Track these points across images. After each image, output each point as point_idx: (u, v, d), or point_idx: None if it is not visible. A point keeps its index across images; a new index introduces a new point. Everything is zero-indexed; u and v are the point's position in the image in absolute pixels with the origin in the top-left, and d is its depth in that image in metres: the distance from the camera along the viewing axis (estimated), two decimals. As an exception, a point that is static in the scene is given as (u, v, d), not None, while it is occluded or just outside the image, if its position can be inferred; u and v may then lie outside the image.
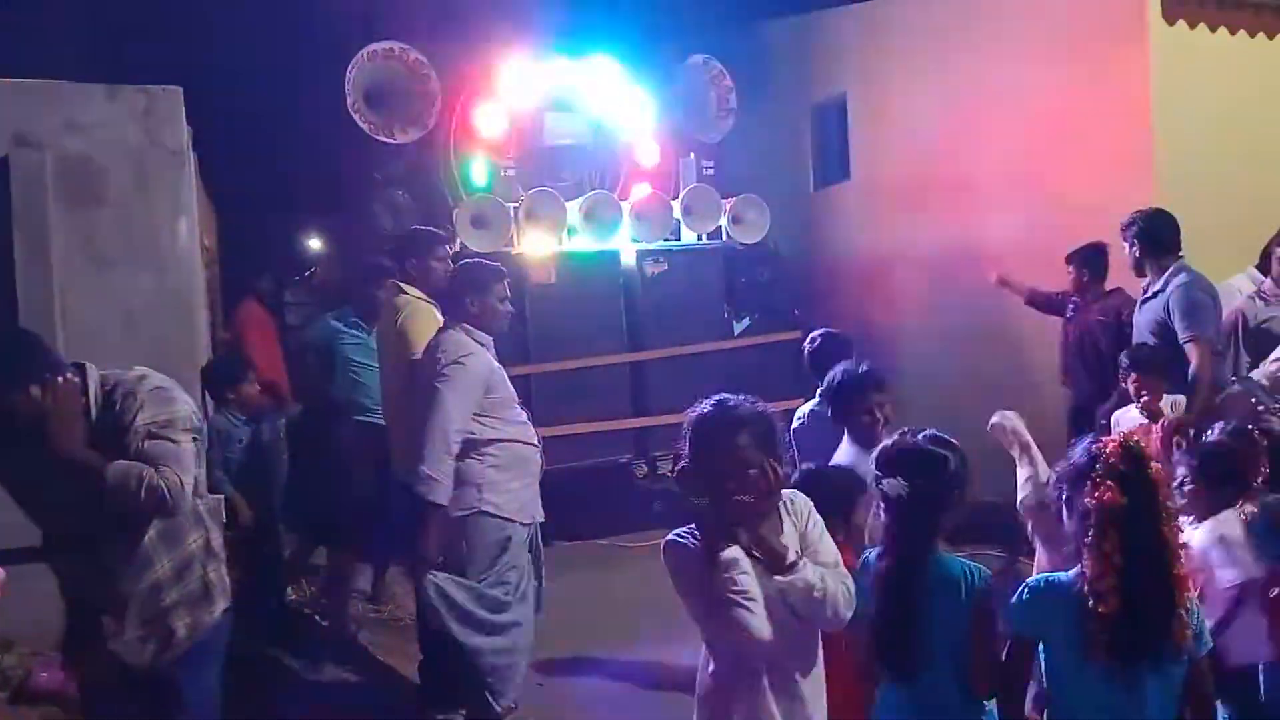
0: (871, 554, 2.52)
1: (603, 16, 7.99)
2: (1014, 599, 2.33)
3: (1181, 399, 4.31)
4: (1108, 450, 2.21)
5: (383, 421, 4.71)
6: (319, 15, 7.83)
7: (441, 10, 7.95)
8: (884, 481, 2.40)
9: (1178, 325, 4.50)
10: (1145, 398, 4.34)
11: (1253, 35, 6.71)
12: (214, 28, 8.15)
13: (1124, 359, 4.56)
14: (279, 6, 7.92)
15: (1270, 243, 5.53)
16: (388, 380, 4.51)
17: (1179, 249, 4.89)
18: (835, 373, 3.50)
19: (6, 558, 4.37)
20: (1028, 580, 2.38)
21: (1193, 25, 6.46)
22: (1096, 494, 2.16)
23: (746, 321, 7.28)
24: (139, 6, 8.59)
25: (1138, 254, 4.87)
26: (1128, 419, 4.44)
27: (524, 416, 3.96)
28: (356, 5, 8.33)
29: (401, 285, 4.44)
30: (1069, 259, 6.02)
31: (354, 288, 5.63)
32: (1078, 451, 2.30)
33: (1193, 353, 4.41)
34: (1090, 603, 2.15)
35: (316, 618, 5.30)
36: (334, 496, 5.11)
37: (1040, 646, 2.30)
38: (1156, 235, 4.82)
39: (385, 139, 6.82)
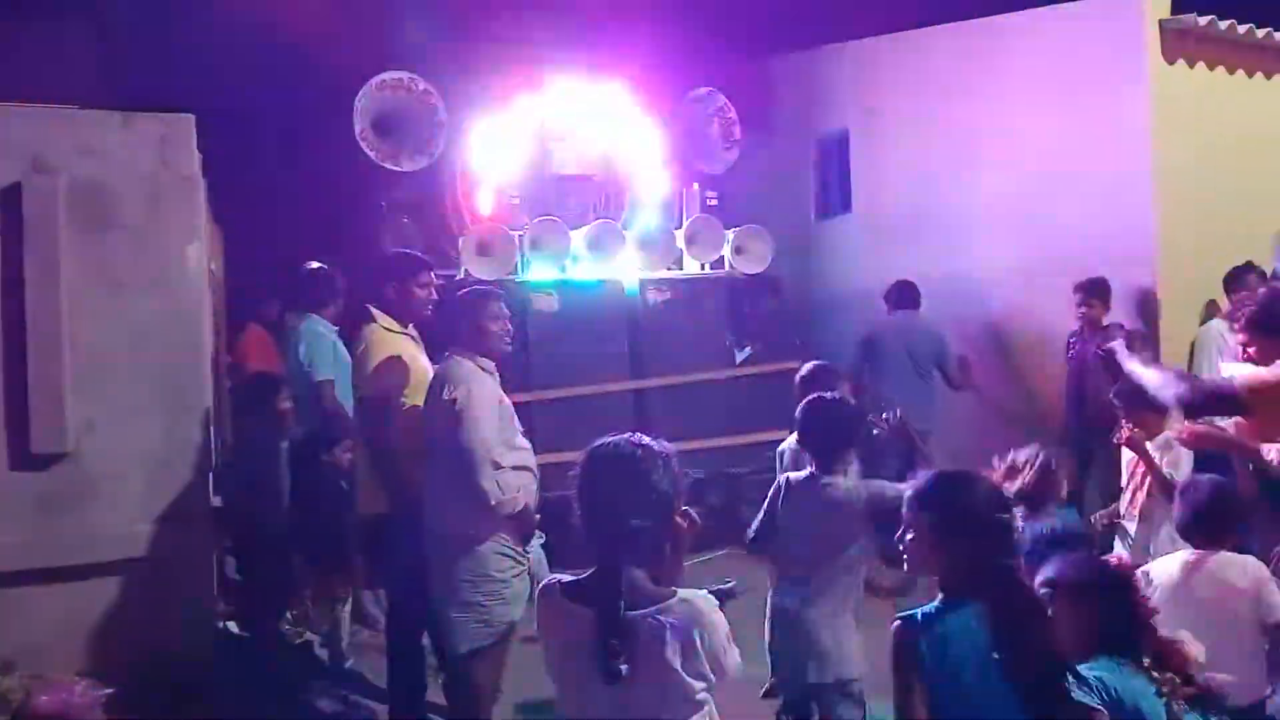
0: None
1: (609, 49, 8.07)
2: None
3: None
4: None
5: None
6: (329, 44, 7.92)
7: (449, 41, 8.04)
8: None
9: None
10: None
11: (1251, 75, 6.82)
12: (224, 55, 8.24)
13: (1114, 396, 4.55)
14: (289, 35, 8.01)
15: (1238, 282, 5.66)
16: (355, 411, 4.42)
17: None
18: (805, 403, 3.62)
19: (6, 580, 4.41)
20: None
21: (1192, 64, 6.57)
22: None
23: (748, 351, 7.32)
24: (150, 34, 8.70)
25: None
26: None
27: (525, 444, 3.98)
28: (366, 34, 8.42)
29: (373, 312, 4.26)
30: (1080, 288, 6.07)
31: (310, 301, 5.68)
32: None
33: None
34: None
35: (313, 641, 5.29)
36: (329, 520, 5.12)
37: None
38: None
39: (392, 167, 6.88)
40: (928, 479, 2.34)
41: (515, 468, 3.81)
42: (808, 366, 4.36)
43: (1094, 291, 6.05)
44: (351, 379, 4.44)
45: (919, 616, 2.23)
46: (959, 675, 2.14)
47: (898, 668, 2.22)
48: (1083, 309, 6.10)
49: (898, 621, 2.25)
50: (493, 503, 3.62)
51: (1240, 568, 3.12)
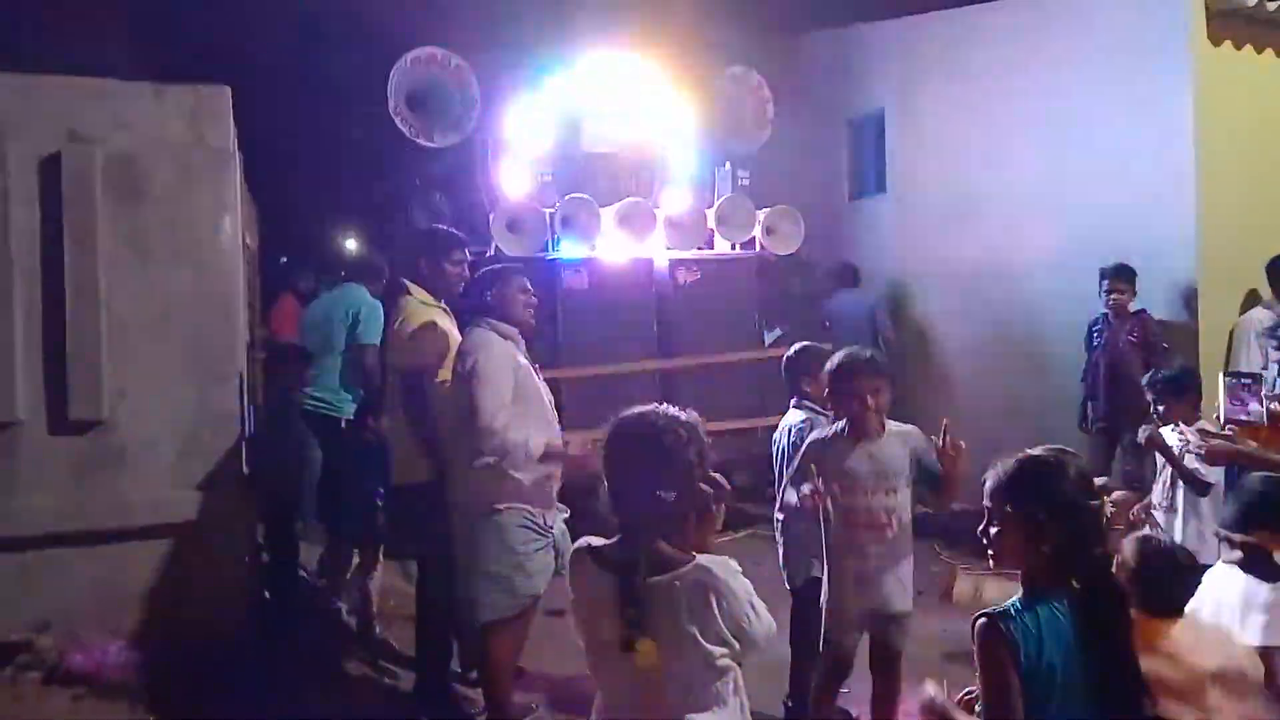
0: None
1: (643, 26, 8.03)
2: None
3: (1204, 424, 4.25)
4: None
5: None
6: (364, 19, 7.95)
7: (483, 18, 8.04)
8: None
9: None
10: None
11: (1298, 58, 6.64)
12: (261, 29, 8.29)
13: (1147, 382, 4.49)
14: (325, 10, 8.05)
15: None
16: (393, 385, 4.42)
17: None
18: (835, 357, 3.65)
19: (34, 543, 4.52)
20: None
21: (1238, 46, 6.41)
22: None
23: (778, 332, 7.29)
24: (187, 6, 8.77)
25: None
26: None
27: (552, 417, 4.00)
28: (401, 10, 8.44)
29: (409, 286, 4.32)
30: (1106, 274, 6.02)
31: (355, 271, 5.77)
32: None
33: None
34: None
35: (341, 609, 5.36)
36: (357, 489, 5.18)
37: None
38: None
39: (425, 142, 6.90)
40: (1014, 465, 2.22)
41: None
42: (795, 347, 4.33)
43: (1121, 276, 5.99)
44: (388, 350, 4.48)
45: (1010, 611, 2.11)
46: (1052, 673, 2.04)
47: (988, 666, 2.09)
48: (1112, 295, 6.01)
49: (983, 619, 2.12)
50: (512, 460, 3.64)
51: None
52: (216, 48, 7.89)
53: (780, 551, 4.17)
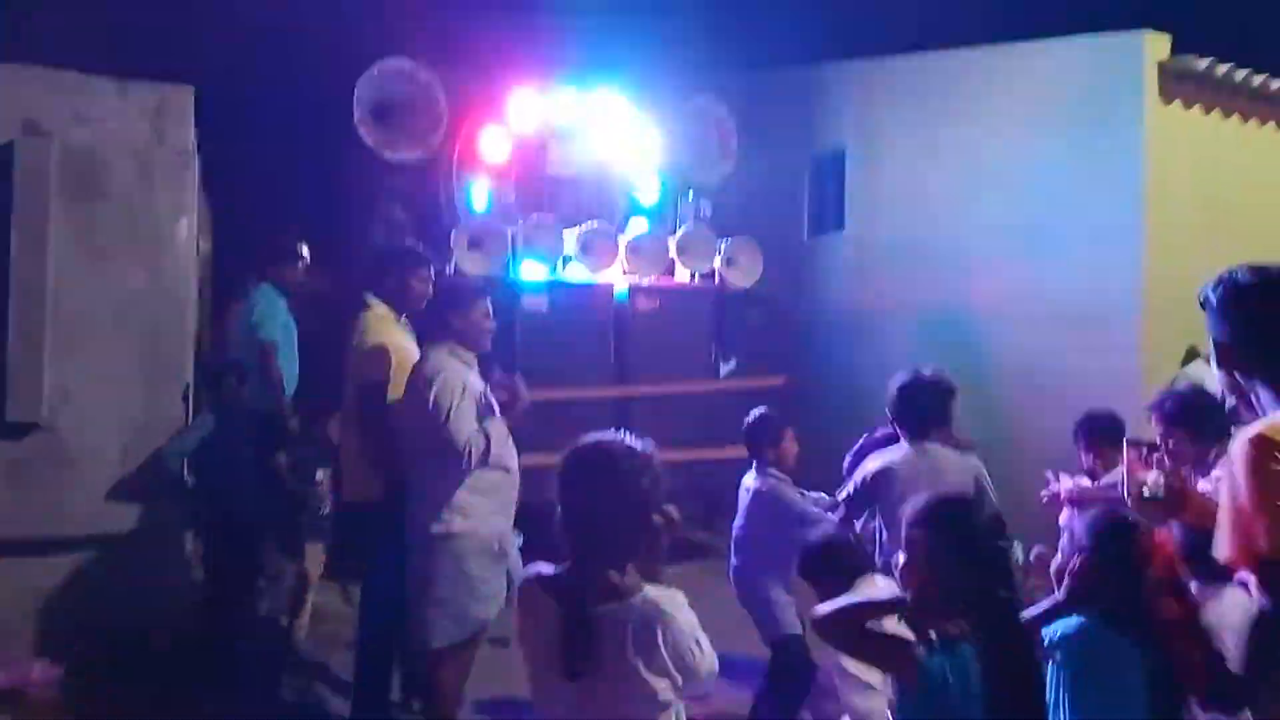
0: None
1: (611, 52, 8.08)
2: None
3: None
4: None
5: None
6: (333, 28, 7.88)
7: (454, 34, 8.02)
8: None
9: None
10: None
11: (1246, 120, 6.91)
12: (227, 32, 8.18)
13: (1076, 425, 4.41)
14: (293, 16, 7.97)
15: None
16: (345, 398, 4.35)
17: None
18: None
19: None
20: None
21: (1188, 106, 6.63)
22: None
23: (733, 364, 7.31)
24: (154, 5, 8.62)
25: None
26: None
27: (507, 440, 3.96)
28: (370, 21, 8.39)
29: (370, 301, 4.26)
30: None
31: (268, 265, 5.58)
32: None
33: None
34: None
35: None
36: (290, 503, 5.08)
37: None
38: None
39: (389, 155, 6.84)
40: (928, 500, 2.29)
41: (492, 468, 3.78)
42: (755, 414, 4.37)
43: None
44: (347, 361, 4.40)
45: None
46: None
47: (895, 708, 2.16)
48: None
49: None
50: (461, 449, 3.62)
51: None
52: (178, 47, 7.76)
53: (754, 612, 4.16)
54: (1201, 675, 2.31)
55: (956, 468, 3.76)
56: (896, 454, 3.81)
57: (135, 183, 4.71)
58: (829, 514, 3.97)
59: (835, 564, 3.28)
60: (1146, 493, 2.53)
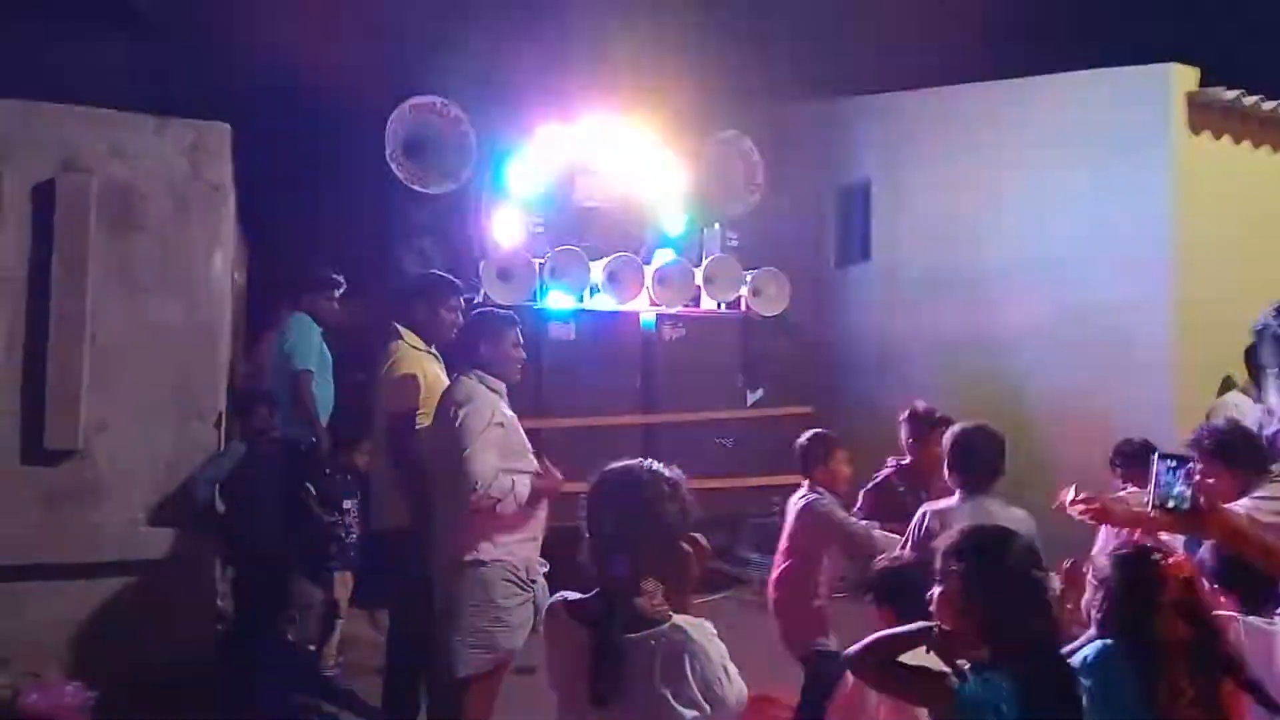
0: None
1: (638, 86, 8.17)
2: None
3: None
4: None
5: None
6: (365, 65, 8.03)
7: (483, 70, 8.14)
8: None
9: None
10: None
11: (1275, 151, 6.86)
12: (261, 70, 8.35)
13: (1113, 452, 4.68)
14: (327, 54, 8.13)
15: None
16: (375, 427, 4.40)
17: None
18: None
19: (7, 574, 4.41)
20: None
21: (1217, 137, 6.61)
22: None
23: (760, 393, 7.31)
24: (189, 43, 8.83)
25: None
26: None
27: (535, 466, 3.98)
28: (401, 58, 8.55)
29: (400, 330, 4.29)
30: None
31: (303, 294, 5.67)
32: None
33: None
34: None
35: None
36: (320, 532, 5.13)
37: None
38: None
39: (420, 189, 6.95)
40: (965, 530, 2.29)
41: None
42: (809, 435, 4.38)
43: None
44: (377, 392, 4.45)
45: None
46: None
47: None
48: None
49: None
50: (479, 490, 3.58)
51: None
52: (215, 85, 7.93)
53: (779, 628, 4.18)
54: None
55: (1010, 521, 3.72)
56: (954, 507, 3.75)
57: (171, 217, 4.81)
58: (877, 531, 4.04)
59: (912, 590, 3.27)
60: (1171, 503, 2.51)
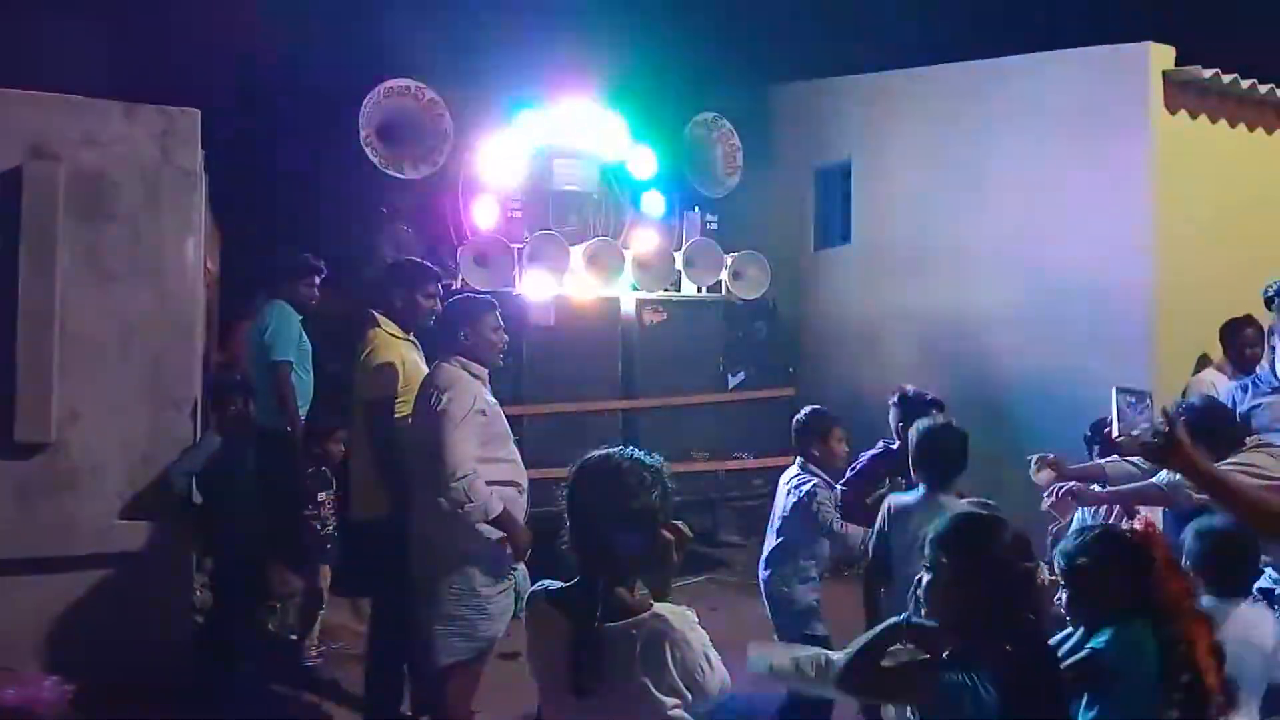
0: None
1: (615, 68, 8.11)
2: None
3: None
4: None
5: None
6: (338, 48, 7.94)
7: (458, 52, 8.07)
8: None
9: None
10: None
11: (1252, 130, 6.87)
12: (232, 54, 8.25)
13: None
14: (298, 37, 8.03)
15: (1236, 334, 5.69)
16: (353, 415, 4.37)
17: None
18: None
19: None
20: None
21: (1194, 116, 6.61)
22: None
23: (741, 376, 7.30)
24: (158, 29, 8.70)
25: None
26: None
27: (516, 455, 3.96)
28: (374, 40, 8.45)
29: (378, 318, 4.28)
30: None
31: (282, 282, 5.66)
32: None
33: None
34: None
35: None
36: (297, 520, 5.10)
37: None
38: None
39: (395, 174, 6.87)
40: (952, 519, 2.29)
41: (499, 482, 3.76)
42: (807, 411, 4.37)
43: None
44: (353, 379, 4.41)
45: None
46: None
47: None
48: None
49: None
50: (458, 508, 3.56)
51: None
52: (185, 69, 7.82)
53: (768, 610, 4.17)
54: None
55: None
56: (913, 500, 3.74)
57: (142, 204, 4.73)
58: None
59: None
60: (1136, 432, 2.54)
